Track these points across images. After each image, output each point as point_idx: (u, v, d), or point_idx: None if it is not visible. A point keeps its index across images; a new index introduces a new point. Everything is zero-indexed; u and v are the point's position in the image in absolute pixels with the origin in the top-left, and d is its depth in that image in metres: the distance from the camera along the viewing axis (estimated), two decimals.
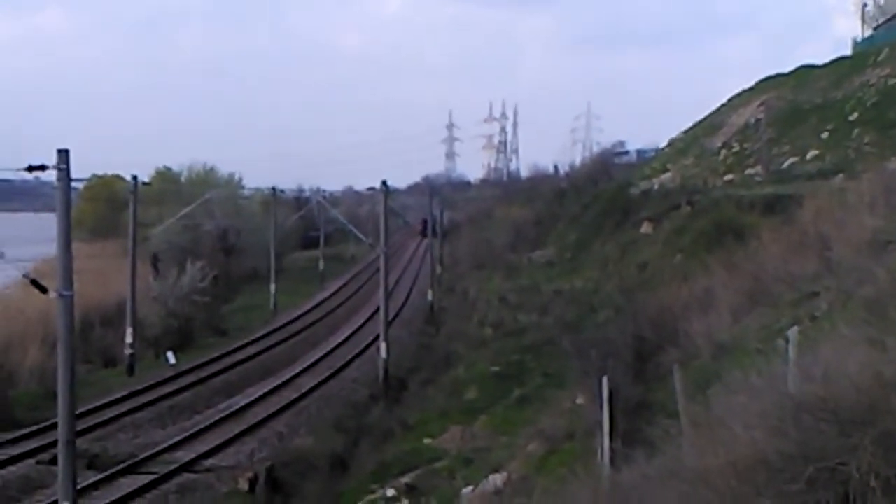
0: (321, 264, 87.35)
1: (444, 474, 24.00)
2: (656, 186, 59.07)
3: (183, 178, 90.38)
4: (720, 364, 16.89)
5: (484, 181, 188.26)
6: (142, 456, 29.52)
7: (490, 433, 27.01)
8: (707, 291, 25.26)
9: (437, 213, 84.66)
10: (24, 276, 23.56)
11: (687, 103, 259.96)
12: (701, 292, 25.77)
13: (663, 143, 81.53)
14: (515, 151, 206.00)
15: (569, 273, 52.94)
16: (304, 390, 39.24)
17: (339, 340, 52.07)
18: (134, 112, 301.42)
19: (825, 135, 50.92)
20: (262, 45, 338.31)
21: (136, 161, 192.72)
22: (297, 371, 43.49)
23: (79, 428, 25.30)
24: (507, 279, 59.81)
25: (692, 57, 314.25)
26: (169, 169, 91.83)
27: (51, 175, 20.87)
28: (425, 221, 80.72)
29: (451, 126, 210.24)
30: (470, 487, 20.81)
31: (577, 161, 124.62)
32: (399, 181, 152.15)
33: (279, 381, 41.00)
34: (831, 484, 7.75)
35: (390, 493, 23.28)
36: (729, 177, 53.17)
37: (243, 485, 27.23)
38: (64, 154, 20.75)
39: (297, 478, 27.66)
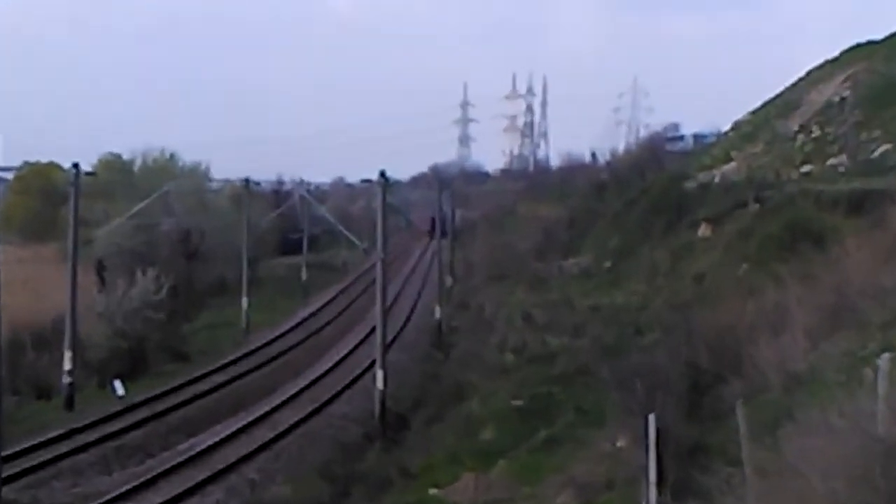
0: (304, 273, 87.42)
1: None
2: (717, 179, 59.18)
3: (136, 168, 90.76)
4: (793, 399, 16.95)
5: (505, 172, 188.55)
6: None
7: (510, 482, 27.02)
8: (778, 309, 25.30)
9: (448, 210, 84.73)
10: None
11: (756, 78, 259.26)
12: (771, 310, 25.82)
13: (726, 127, 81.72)
14: (544, 135, 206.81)
15: (609, 286, 53.03)
16: (282, 428, 39.27)
17: (327, 367, 52.10)
18: (75, 86, 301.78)
19: None
20: (233, 5, 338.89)
21: (77, 146, 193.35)
22: (274, 404, 43.52)
23: (6, 473, 25.33)
24: (532, 293, 59.90)
25: (762, 20, 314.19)
26: (118, 156, 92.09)
27: None
28: (433, 221, 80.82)
29: (465, 104, 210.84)
30: None
31: (621, 148, 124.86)
32: (401, 172, 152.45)
33: (252, 417, 41.03)
34: None
35: None
36: (806, 168, 53.21)
37: None
38: None
39: None
